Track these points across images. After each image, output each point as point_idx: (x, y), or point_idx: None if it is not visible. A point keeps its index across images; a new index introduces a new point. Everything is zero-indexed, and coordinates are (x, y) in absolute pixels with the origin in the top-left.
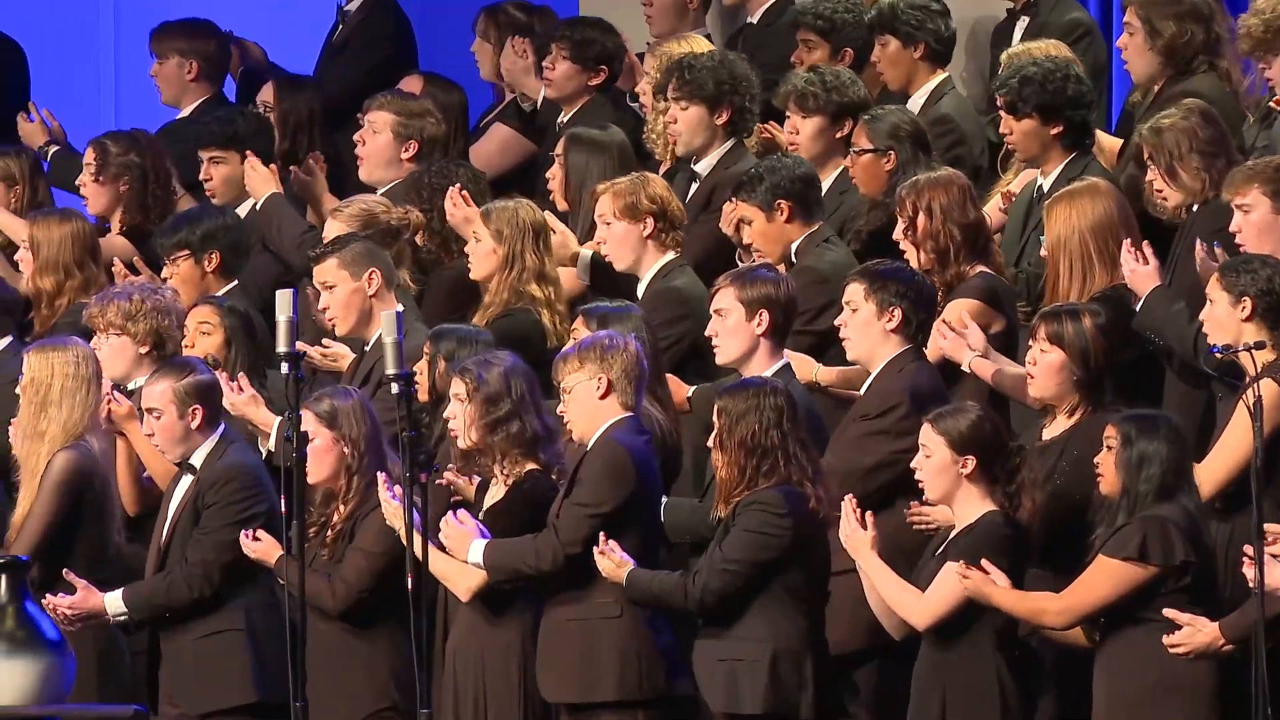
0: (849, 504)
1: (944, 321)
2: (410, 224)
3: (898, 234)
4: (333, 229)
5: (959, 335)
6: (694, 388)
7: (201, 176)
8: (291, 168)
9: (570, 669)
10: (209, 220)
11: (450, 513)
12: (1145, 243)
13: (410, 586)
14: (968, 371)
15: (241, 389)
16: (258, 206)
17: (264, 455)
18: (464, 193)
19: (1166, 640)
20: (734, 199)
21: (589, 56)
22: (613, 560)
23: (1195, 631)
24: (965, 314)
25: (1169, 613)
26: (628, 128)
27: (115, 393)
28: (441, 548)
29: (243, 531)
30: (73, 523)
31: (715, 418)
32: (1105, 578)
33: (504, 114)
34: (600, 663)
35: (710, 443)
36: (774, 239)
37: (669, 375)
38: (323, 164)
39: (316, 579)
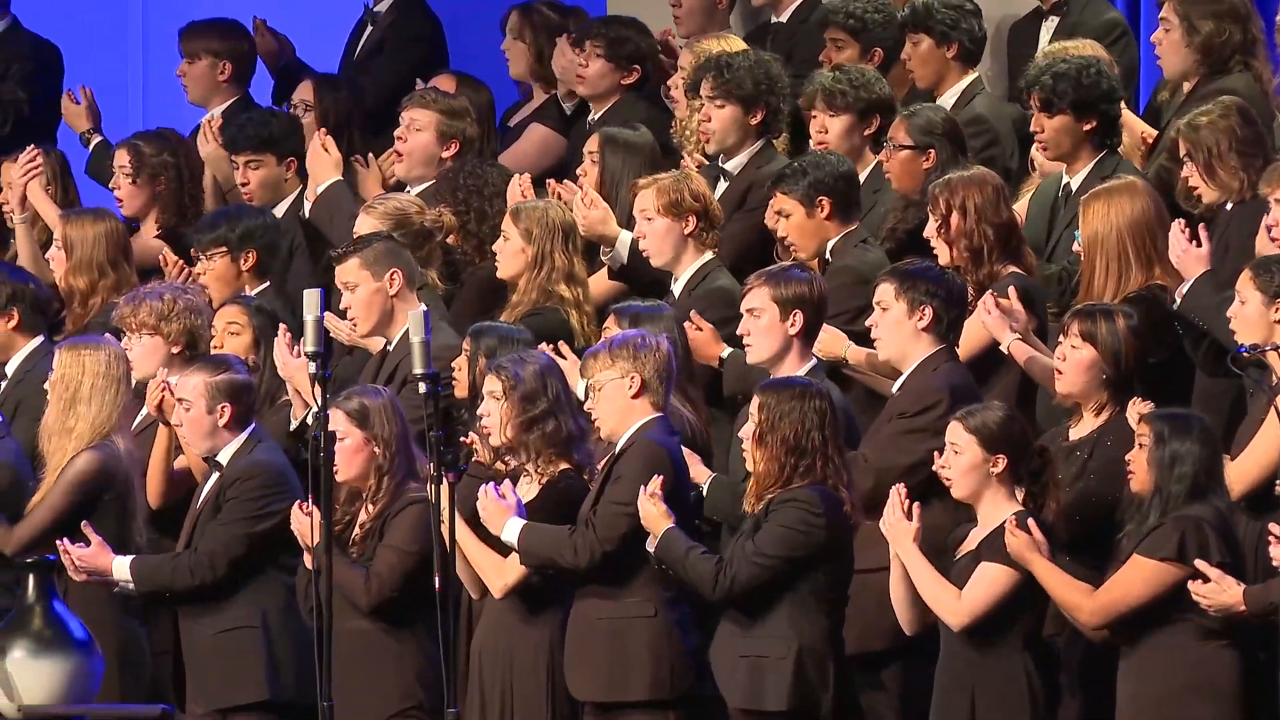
0: (898, 493)
1: (992, 294)
2: (443, 226)
3: (929, 231)
4: (365, 225)
5: (1003, 315)
6: (730, 350)
7: (239, 180)
8: (354, 157)
9: (601, 667)
10: (248, 219)
11: (491, 484)
12: (1201, 226)
13: (438, 585)
14: (1006, 353)
15: (299, 354)
16: (319, 190)
17: (294, 425)
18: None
19: (1192, 587)
20: (775, 191)
21: (623, 55)
22: (658, 509)
23: (1221, 590)
24: (1014, 293)
25: (1199, 564)
26: (658, 126)
27: (169, 382)
28: (477, 521)
29: (297, 502)
30: (81, 521)
31: (756, 412)
32: (1141, 578)
33: (542, 113)
34: (633, 662)
35: (745, 435)
36: (811, 235)
37: (706, 325)
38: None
39: (352, 572)
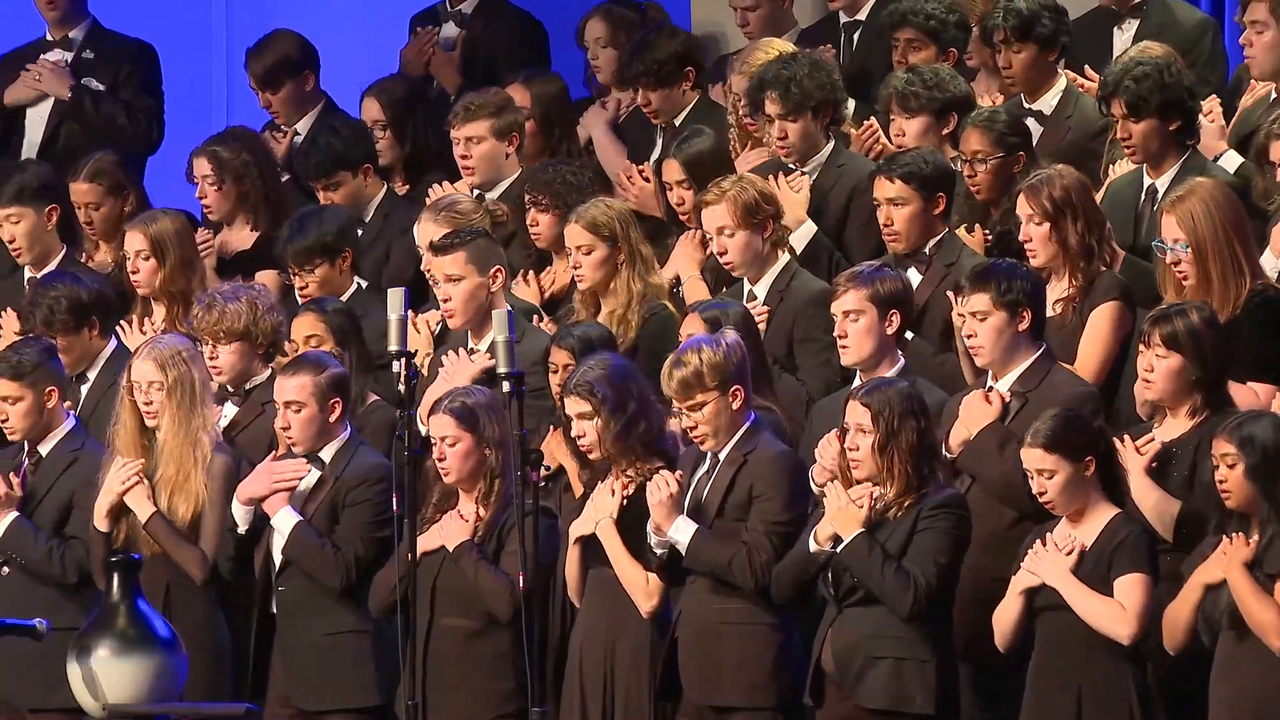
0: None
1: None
2: (505, 220)
3: (1032, 233)
4: (428, 231)
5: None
6: None
7: (322, 202)
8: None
9: (726, 671)
10: (334, 218)
11: (671, 472)
12: None
13: (522, 584)
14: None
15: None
16: None
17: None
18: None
19: None
20: (892, 177)
21: (673, 69)
22: (861, 514)
23: None
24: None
25: None
26: (721, 124)
27: None
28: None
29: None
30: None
31: (871, 421)
32: None
33: None
34: (762, 668)
35: (858, 442)
36: (923, 230)
37: None
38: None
39: (499, 582)
